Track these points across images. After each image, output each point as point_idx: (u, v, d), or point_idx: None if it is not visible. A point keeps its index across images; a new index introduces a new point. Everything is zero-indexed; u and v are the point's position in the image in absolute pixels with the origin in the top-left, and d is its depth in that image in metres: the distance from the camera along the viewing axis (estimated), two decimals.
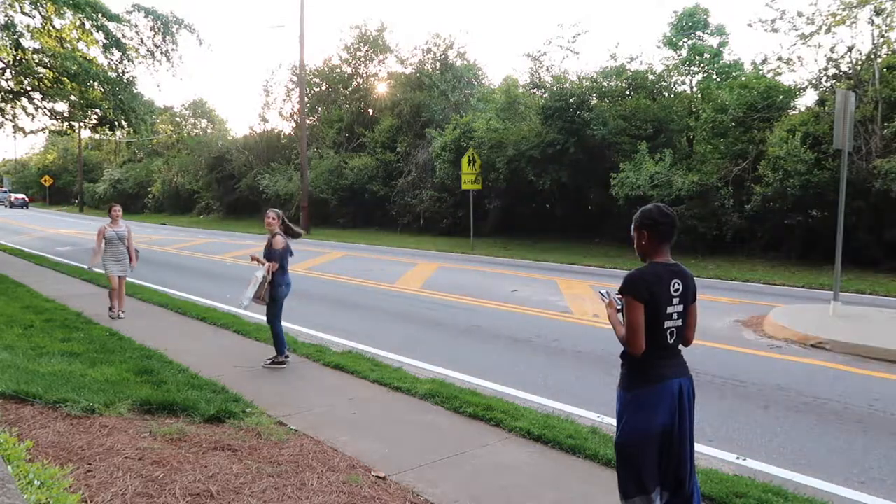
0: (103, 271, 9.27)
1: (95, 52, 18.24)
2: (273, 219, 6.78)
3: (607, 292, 3.23)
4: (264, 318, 9.00)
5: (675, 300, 2.98)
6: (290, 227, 6.93)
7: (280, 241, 6.68)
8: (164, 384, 5.68)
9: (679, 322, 3.01)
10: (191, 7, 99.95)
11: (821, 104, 16.73)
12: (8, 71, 17.75)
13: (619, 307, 3.09)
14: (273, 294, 6.63)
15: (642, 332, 2.90)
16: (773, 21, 17.08)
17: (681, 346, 3.11)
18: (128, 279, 13.09)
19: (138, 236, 28.34)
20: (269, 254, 6.66)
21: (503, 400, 5.55)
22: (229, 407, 5.12)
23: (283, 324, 6.83)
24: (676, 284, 3.00)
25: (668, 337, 2.97)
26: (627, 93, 21.68)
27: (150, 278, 13.26)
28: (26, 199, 57.19)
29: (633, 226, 3.10)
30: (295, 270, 14.74)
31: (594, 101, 21.59)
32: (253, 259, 6.83)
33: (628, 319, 2.94)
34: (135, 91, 18.45)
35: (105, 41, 17.42)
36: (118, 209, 9.49)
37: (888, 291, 11.96)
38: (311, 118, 36.17)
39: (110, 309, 9.05)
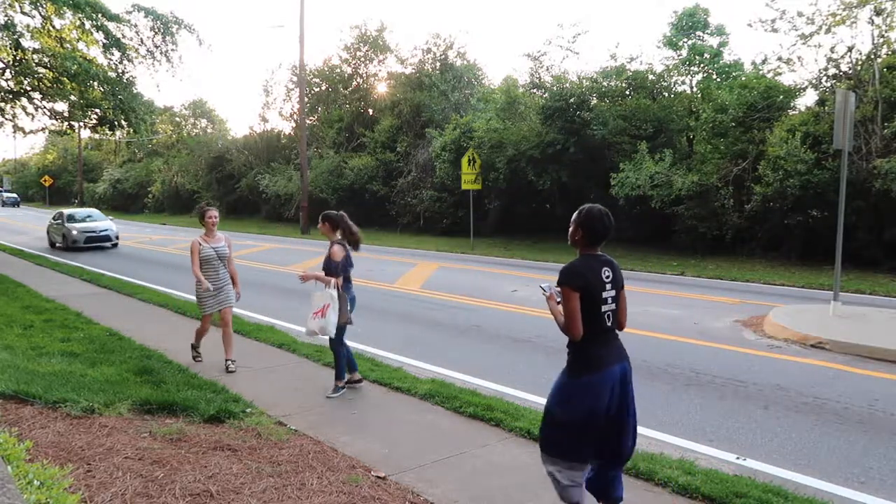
0: (196, 302, 6.88)
1: (95, 52, 18.27)
2: (324, 224, 5.83)
3: (548, 286, 3.38)
4: (265, 318, 9.09)
5: (608, 286, 3.27)
6: (348, 231, 5.82)
7: (338, 251, 5.69)
8: (164, 384, 5.68)
9: (613, 306, 3.29)
10: (191, 7, 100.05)
11: (821, 104, 16.72)
12: (8, 71, 17.75)
13: (559, 300, 3.27)
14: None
15: (579, 319, 3.15)
16: (773, 21, 17.07)
17: (617, 331, 3.37)
18: (127, 279, 12.99)
19: (138, 236, 28.13)
20: (329, 266, 5.70)
21: (503, 400, 5.54)
22: (229, 407, 5.12)
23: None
24: (607, 272, 3.28)
25: (606, 320, 3.25)
26: (627, 93, 21.67)
27: (151, 278, 13.27)
28: (17, 198, 60.43)
29: (573, 218, 3.35)
30: (293, 270, 14.80)
31: (594, 101, 21.57)
32: (305, 279, 5.83)
33: (566, 307, 3.17)
34: (135, 91, 18.46)
35: (105, 41, 17.42)
36: (215, 215, 6.75)
37: (888, 291, 11.96)
38: (311, 118, 36.16)
39: (195, 352, 6.77)
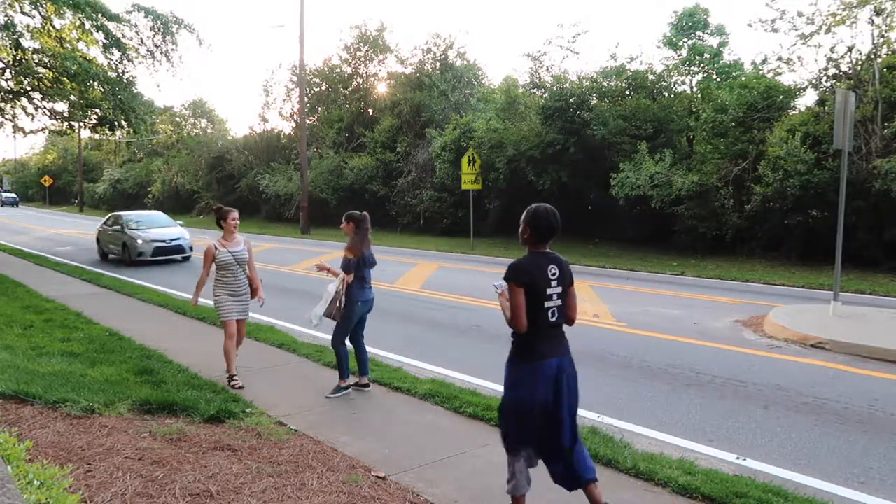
0: (214, 307, 6.29)
1: (95, 52, 18.25)
2: (348, 224, 5.80)
3: (500, 284, 3.48)
4: (265, 318, 9.08)
5: (554, 283, 3.40)
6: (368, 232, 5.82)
7: (351, 251, 5.71)
8: (164, 384, 5.68)
9: (559, 302, 3.42)
10: (191, 7, 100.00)
11: (821, 104, 16.72)
12: (8, 71, 17.74)
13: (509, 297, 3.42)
14: (345, 311, 5.70)
15: (524, 312, 3.30)
16: (773, 21, 17.07)
17: (566, 326, 3.52)
18: (127, 279, 12.98)
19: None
20: (344, 264, 5.71)
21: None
22: (229, 407, 5.12)
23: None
24: (553, 269, 3.42)
25: (551, 316, 3.38)
26: (627, 93, 21.67)
27: (151, 278, 13.26)
28: (16, 197, 60.75)
29: (522, 217, 3.50)
30: (294, 271, 14.81)
31: (594, 101, 21.57)
32: (320, 269, 5.90)
33: (512, 302, 3.33)
34: (135, 91, 18.44)
35: (105, 41, 17.41)
36: (237, 217, 6.26)
37: (888, 291, 11.96)
38: (311, 118, 36.15)
39: (233, 380, 6.01)
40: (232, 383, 5.94)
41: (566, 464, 3.43)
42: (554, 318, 3.39)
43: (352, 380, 6.02)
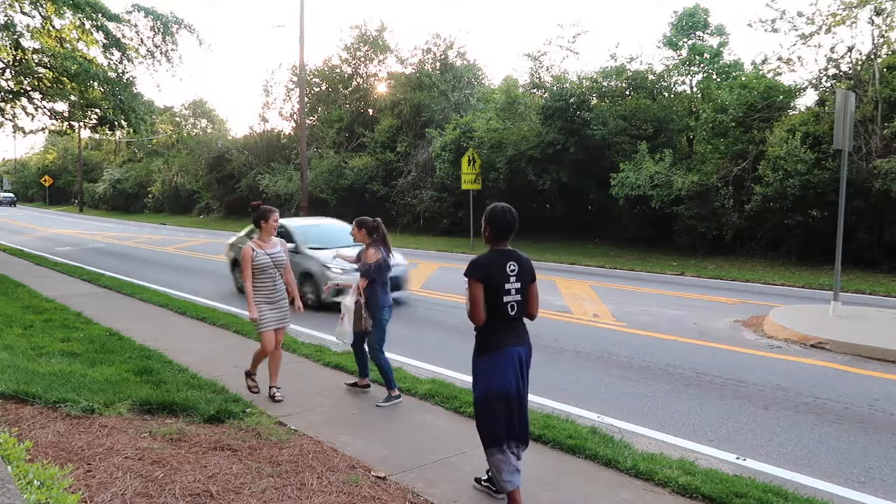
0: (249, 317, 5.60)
1: (95, 52, 18.24)
2: (360, 231, 5.63)
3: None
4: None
5: (513, 279, 3.55)
6: (386, 238, 5.65)
7: (373, 253, 5.50)
8: (164, 384, 5.68)
9: (518, 297, 3.57)
10: (191, 7, 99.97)
11: (821, 104, 16.72)
12: (8, 71, 17.74)
13: None
14: (375, 319, 5.52)
15: (481, 306, 3.48)
16: (773, 21, 17.07)
17: (526, 320, 3.68)
18: (127, 279, 12.91)
19: (138, 237, 28.06)
20: (362, 269, 5.52)
21: None
22: (229, 407, 5.11)
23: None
24: (512, 266, 3.56)
25: (510, 310, 3.54)
26: (627, 93, 21.67)
27: (151, 278, 13.26)
28: (14, 197, 60.79)
29: (483, 217, 3.67)
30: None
31: (594, 101, 21.57)
32: (327, 290, 6.27)
33: (470, 296, 3.50)
34: (135, 91, 18.44)
35: (105, 41, 17.41)
36: (278, 217, 5.65)
37: (888, 291, 11.96)
38: (311, 118, 36.15)
39: (251, 380, 5.74)
40: (249, 384, 5.69)
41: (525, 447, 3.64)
42: (513, 312, 3.55)
43: (351, 380, 6.05)
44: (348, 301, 5.46)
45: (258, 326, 5.55)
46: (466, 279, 3.55)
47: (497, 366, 3.52)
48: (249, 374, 5.78)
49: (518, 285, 3.55)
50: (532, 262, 3.71)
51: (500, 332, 3.55)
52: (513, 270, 3.55)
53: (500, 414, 3.52)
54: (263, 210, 5.54)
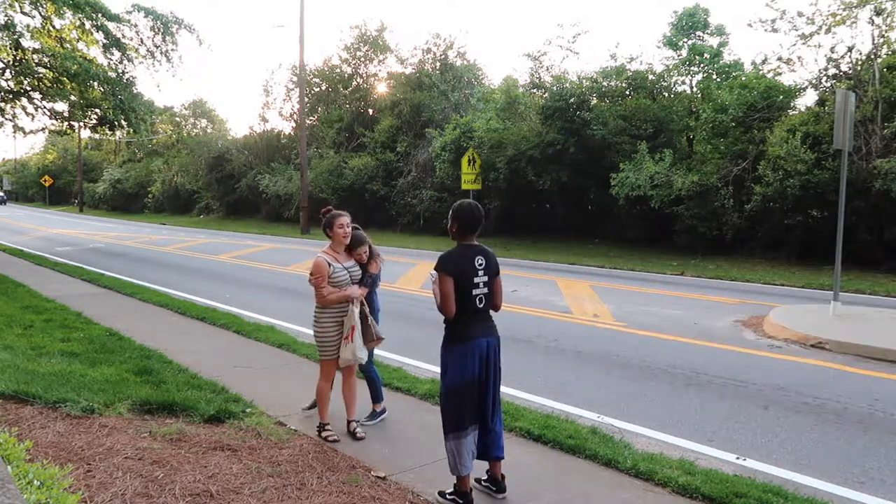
0: (315, 340, 4.86)
1: (95, 52, 18.27)
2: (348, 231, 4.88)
3: (433, 273, 3.72)
4: (265, 318, 9.08)
5: (481, 272, 3.70)
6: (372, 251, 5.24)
7: (376, 263, 5.28)
8: (164, 384, 5.67)
9: (486, 290, 3.73)
10: (191, 7, 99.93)
11: (821, 104, 16.72)
12: (8, 71, 17.75)
13: None
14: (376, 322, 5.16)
15: (452, 299, 3.61)
16: (773, 21, 17.07)
17: (492, 312, 3.85)
18: (127, 279, 12.94)
19: (138, 237, 27.99)
20: (365, 279, 5.07)
21: (503, 400, 5.53)
22: (229, 407, 5.11)
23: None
24: (480, 260, 3.71)
25: (478, 302, 3.70)
26: (627, 93, 21.67)
27: (151, 278, 13.26)
28: (4, 196, 63.06)
29: (449, 213, 3.77)
30: (293, 271, 14.81)
31: (594, 101, 21.56)
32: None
33: (441, 289, 3.63)
34: (135, 91, 18.45)
35: (105, 41, 17.43)
36: (344, 223, 4.79)
37: (888, 291, 11.96)
38: (310, 118, 36.14)
39: (325, 430, 4.71)
40: (324, 434, 4.66)
41: (482, 436, 3.77)
42: (481, 305, 3.71)
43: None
44: (355, 313, 4.73)
45: (323, 352, 4.70)
46: (436, 273, 3.66)
47: (465, 356, 3.66)
48: (323, 427, 4.72)
49: (486, 279, 3.71)
50: (497, 258, 3.87)
51: (470, 323, 3.69)
52: (480, 264, 3.70)
53: (467, 402, 3.67)
54: (329, 217, 4.80)
